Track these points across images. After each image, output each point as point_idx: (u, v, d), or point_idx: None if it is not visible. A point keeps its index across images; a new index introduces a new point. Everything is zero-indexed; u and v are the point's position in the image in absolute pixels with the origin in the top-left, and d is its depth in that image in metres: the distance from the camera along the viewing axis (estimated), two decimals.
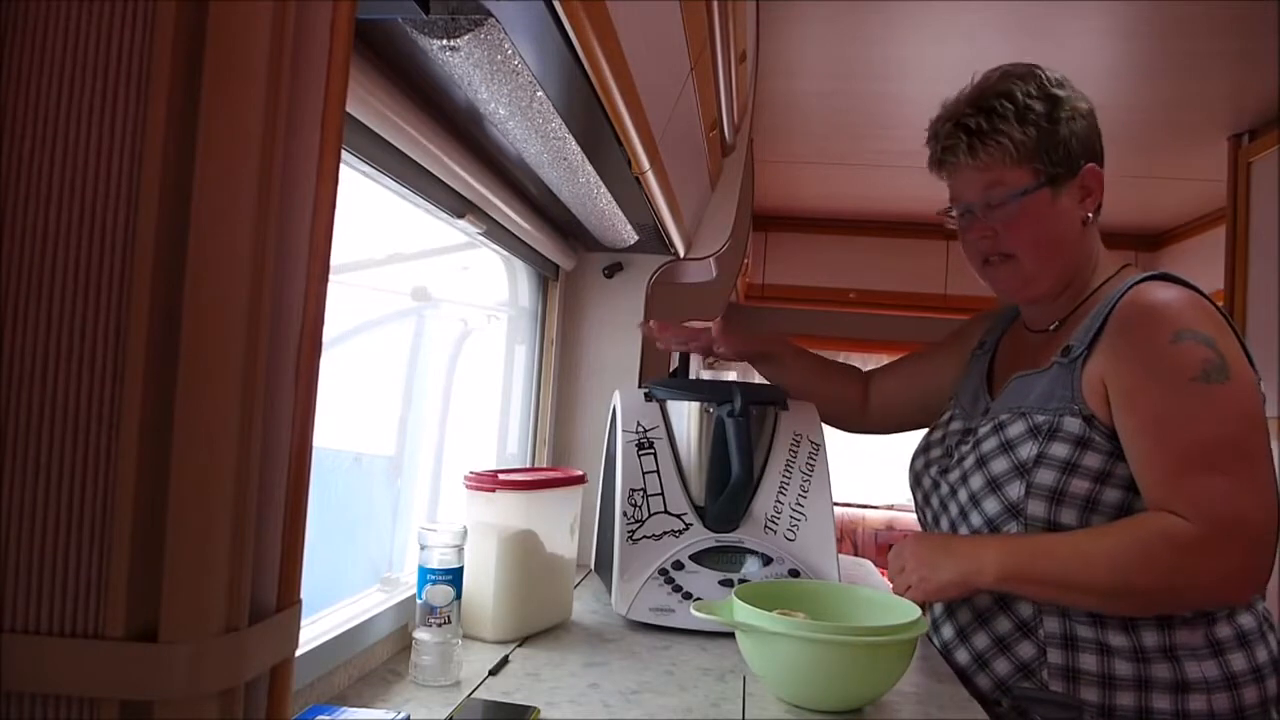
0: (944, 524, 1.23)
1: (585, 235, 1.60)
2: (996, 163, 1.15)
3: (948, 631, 1.22)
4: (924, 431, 1.37)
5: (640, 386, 1.42)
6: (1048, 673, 1.09)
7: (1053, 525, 1.10)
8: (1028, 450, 1.11)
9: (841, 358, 4.63)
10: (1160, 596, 1.06)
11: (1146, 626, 1.07)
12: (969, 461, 1.19)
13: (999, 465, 1.14)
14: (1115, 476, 1.08)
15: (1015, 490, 1.11)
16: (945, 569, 1.12)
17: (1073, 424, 1.09)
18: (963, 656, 1.18)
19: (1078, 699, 1.08)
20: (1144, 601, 1.07)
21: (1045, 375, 1.16)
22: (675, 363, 1.53)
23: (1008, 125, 1.14)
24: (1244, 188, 2.61)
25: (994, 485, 1.14)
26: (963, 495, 1.19)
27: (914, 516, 3.94)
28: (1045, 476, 1.09)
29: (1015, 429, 1.14)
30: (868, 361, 4.42)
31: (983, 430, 1.19)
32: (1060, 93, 1.15)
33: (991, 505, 1.14)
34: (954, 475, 1.22)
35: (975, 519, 1.17)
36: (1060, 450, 1.09)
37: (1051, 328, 1.22)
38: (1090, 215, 1.18)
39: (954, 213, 1.23)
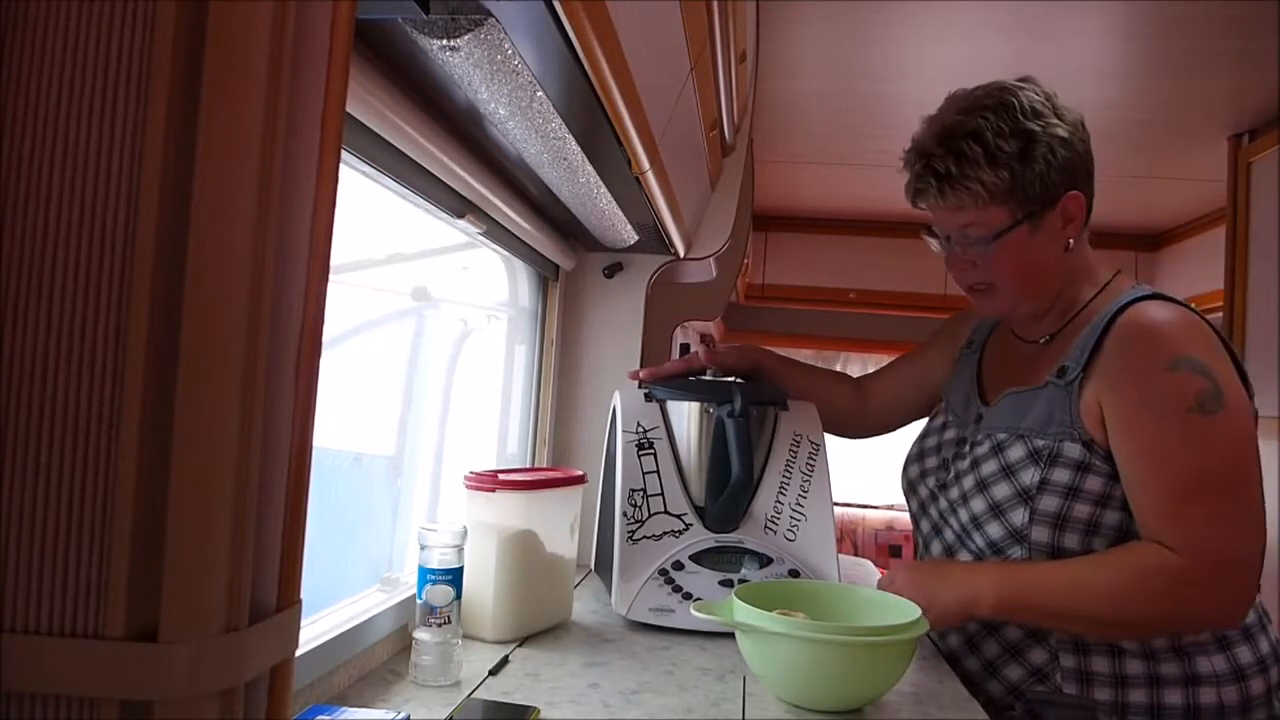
0: (948, 535, 1.23)
1: (585, 235, 1.60)
2: (969, 205, 1.12)
3: (954, 639, 1.22)
4: (917, 436, 1.37)
5: (640, 387, 1.42)
6: (1061, 676, 1.11)
7: (1056, 549, 1.11)
8: (1030, 476, 1.11)
9: (841, 358, 4.64)
10: (1158, 627, 1.09)
11: None
12: (968, 482, 1.19)
13: (1001, 491, 1.14)
14: (1114, 499, 1.10)
15: (1019, 516, 1.12)
16: (942, 599, 1.11)
17: (1073, 449, 1.10)
18: (972, 664, 1.19)
19: (1091, 700, 1.09)
20: (1141, 632, 1.09)
21: (1040, 395, 1.15)
22: (677, 353, 1.53)
23: (977, 169, 1.10)
24: (1244, 188, 2.60)
25: (997, 510, 1.14)
26: (964, 516, 1.19)
27: None
28: (1049, 503, 1.10)
29: (1015, 453, 1.14)
30: (868, 362, 4.43)
31: (980, 450, 1.19)
32: (1035, 126, 1.10)
33: (995, 530, 1.15)
34: (953, 493, 1.21)
35: (979, 540, 1.17)
36: (1062, 476, 1.10)
37: (1042, 341, 1.22)
38: (1071, 241, 1.16)
39: (935, 236, 1.22)
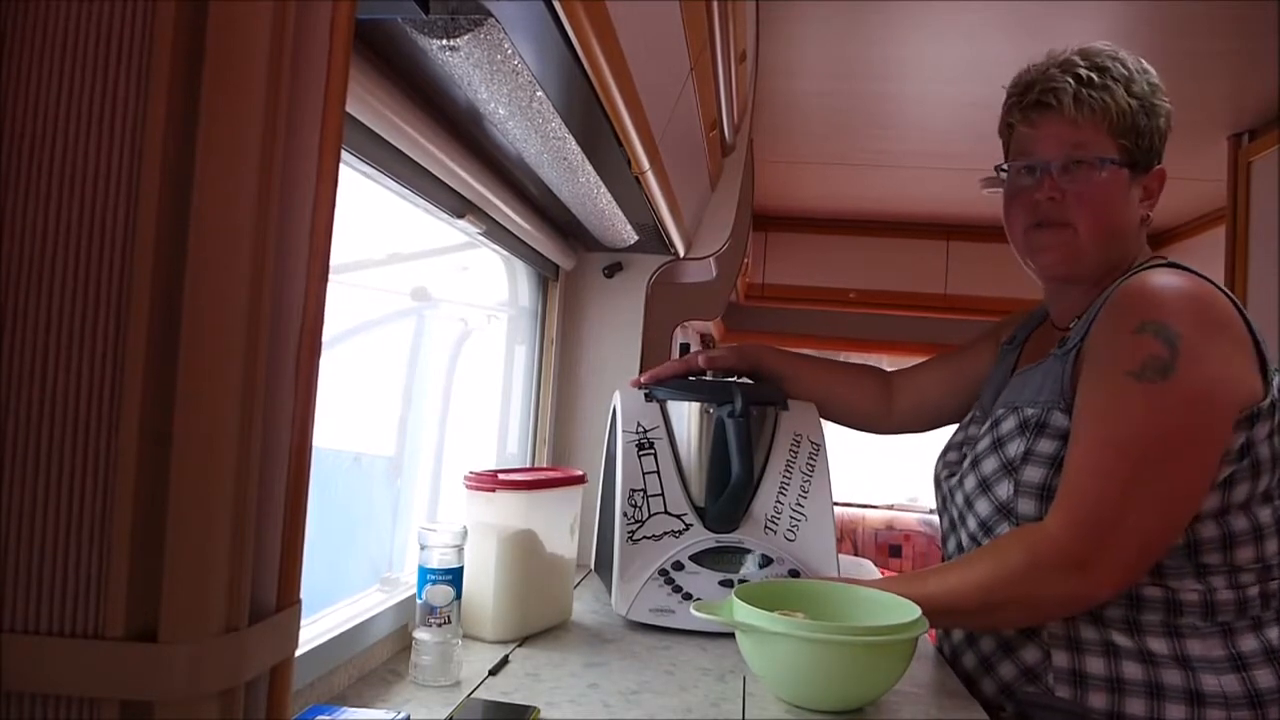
0: (957, 530, 1.22)
1: (585, 235, 1.60)
2: (1093, 123, 1.10)
3: (957, 634, 1.21)
4: (949, 433, 1.35)
5: (640, 387, 1.42)
6: (1053, 677, 1.06)
7: None
8: (1016, 448, 1.09)
9: (841, 358, 4.64)
10: (1022, 609, 1.06)
11: (1152, 631, 1.04)
12: (966, 463, 1.18)
13: (989, 464, 1.13)
14: None
15: (1004, 490, 1.10)
16: None
17: (1061, 419, 1.07)
18: (969, 660, 1.16)
19: (1083, 706, 1.04)
20: (1011, 615, 1.08)
21: (1041, 369, 1.14)
22: (677, 353, 1.53)
23: (1117, 88, 1.09)
24: (1244, 188, 2.60)
25: (984, 486, 1.13)
26: (960, 498, 1.18)
27: (913, 516, 3.97)
28: (1032, 474, 1.07)
29: (1007, 425, 1.13)
30: (868, 362, 4.42)
31: (981, 429, 1.18)
32: (1160, 84, 1.13)
33: (983, 507, 1.13)
34: (954, 479, 1.21)
35: (971, 522, 1.16)
36: (1047, 447, 1.07)
37: (1072, 325, 1.17)
38: (1147, 215, 1.14)
39: (1010, 169, 1.17)
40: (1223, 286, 1.07)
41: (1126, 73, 1.10)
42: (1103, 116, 1.09)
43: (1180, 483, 1.02)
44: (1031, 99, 1.13)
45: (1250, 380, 1.03)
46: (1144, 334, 1.01)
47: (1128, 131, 1.10)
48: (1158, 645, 1.04)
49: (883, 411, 1.49)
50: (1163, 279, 1.06)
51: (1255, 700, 1.01)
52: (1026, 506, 1.08)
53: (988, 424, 1.17)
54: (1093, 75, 1.09)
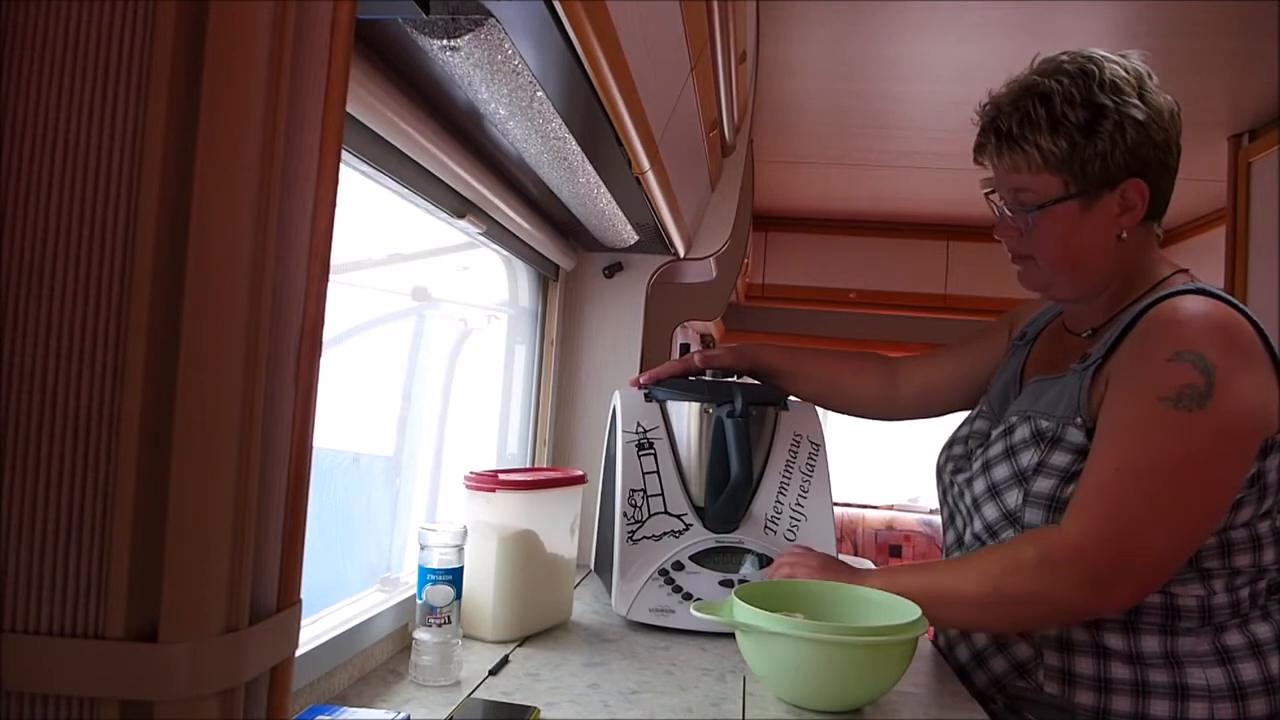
0: (959, 522, 1.22)
1: (585, 235, 1.60)
2: (1023, 168, 1.10)
3: (953, 628, 1.21)
4: (956, 425, 1.35)
5: (640, 387, 1.42)
6: (1043, 674, 1.08)
7: None
8: (1028, 458, 1.10)
9: None
10: (1027, 607, 1.05)
11: (1147, 631, 1.06)
12: (977, 465, 1.18)
13: (1000, 472, 1.13)
14: None
15: (1014, 498, 1.10)
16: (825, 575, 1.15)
17: (1076, 435, 1.08)
18: (963, 653, 1.18)
19: (1070, 702, 1.06)
20: (1014, 612, 1.06)
21: (1059, 381, 1.14)
22: (677, 353, 1.53)
23: (1037, 134, 1.08)
24: (1244, 188, 2.60)
25: (994, 491, 1.13)
26: (968, 499, 1.18)
27: (913, 517, 3.96)
28: (1043, 485, 1.08)
29: (1020, 434, 1.13)
30: None
31: (994, 434, 1.18)
32: (1108, 100, 1.07)
33: (991, 511, 1.13)
34: (962, 477, 1.21)
35: (976, 523, 1.16)
36: (1060, 459, 1.08)
37: (1085, 334, 1.18)
38: (1125, 233, 1.11)
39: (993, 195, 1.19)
40: (1244, 308, 1.07)
41: (1045, 113, 1.07)
42: (1028, 163, 1.09)
43: (1200, 508, 1.03)
44: (977, 141, 1.16)
45: (1273, 410, 1.04)
46: (1180, 362, 1.01)
47: (1062, 167, 1.08)
48: (1150, 645, 1.06)
49: (888, 398, 1.48)
50: (1194, 306, 1.06)
51: (1238, 693, 1.03)
52: (1034, 516, 1.09)
53: (1000, 429, 1.17)
54: (1012, 125, 1.09)
